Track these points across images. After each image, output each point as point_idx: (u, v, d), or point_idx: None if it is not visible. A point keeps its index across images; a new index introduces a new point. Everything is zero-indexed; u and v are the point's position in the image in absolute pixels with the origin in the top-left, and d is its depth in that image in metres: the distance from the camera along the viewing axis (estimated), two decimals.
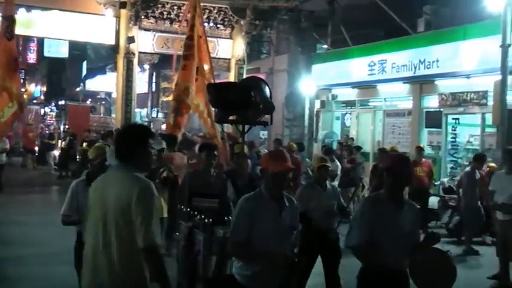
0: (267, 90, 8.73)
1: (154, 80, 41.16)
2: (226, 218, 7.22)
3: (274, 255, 5.22)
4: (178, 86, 14.37)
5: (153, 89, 42.12)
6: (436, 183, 18.55)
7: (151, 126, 32.22)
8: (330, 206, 8.64)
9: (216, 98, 7.96)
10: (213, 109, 13.20)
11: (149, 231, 4.34)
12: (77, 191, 7.34)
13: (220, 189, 8.59)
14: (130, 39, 23.25)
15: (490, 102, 17.78)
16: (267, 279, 5.24)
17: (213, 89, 8.42)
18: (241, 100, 7.57)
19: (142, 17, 23.66)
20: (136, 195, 4.38)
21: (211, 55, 24.52)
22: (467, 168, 14.76)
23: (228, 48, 25.32)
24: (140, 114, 39.09)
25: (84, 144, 23.38)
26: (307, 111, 28.28)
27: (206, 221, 7.29)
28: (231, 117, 8.30)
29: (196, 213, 7.68)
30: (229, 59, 25.41)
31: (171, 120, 14.36)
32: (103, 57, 26.61)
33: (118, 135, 5.24)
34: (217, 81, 34.13)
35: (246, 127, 8.37)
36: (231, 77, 25.41)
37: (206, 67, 14.59)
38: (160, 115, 38.07)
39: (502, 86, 16.34)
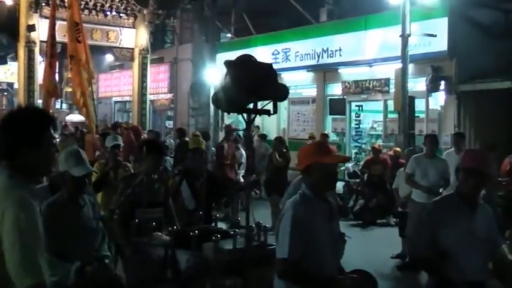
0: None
1: (57, 70, 40.15)
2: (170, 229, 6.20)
3: (341, 279, 4.41)
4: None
5: (57, 79, 40.99)
6: (341, 168, 19.01)
7: (56, 118, 31.50)
8: None
9: (235, 77, 5.95)
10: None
11: (30, 265, 3.03)
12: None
13: (164, 195, 7.12)
14: (31, 28, 22.53)
15: (392, 89, 18.37)
16: None
17: (231, 65, 6.24)
18: (262, 79, 5.98)
19: (43, 4, 22.89)
20: (6, 215, 3.07)
21: (114, 44, 24.48)
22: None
23: (131, 37, 24.91)
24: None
25: None
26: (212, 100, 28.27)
27: (192, 233, 5.92)
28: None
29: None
30: (133, 48, 24.98)
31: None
32: (4, 46, 25.64)
33: None
34: (124, 71, 33.78)
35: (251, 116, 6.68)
36: (135, 67, 25.12)
37: (83, 58, 14.33)
38: (64, 106, 37.14)
39: (402, 74, 16.88)
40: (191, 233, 5.89)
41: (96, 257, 5.48)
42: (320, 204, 4.46)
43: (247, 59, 5.98)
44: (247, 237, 5.86)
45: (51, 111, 13.55)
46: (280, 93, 6.09)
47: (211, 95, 5.80)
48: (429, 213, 4.92)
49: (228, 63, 5.88)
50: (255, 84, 5.73)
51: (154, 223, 6.38)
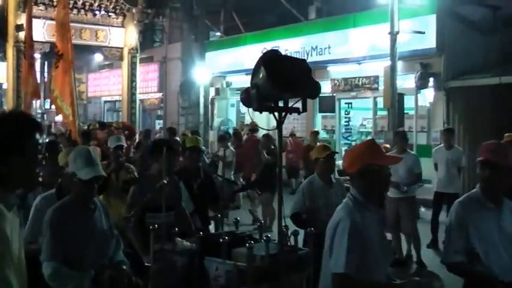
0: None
1: (46, 70, 40.01)
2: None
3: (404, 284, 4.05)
4: None
5: (45, 79, 40.86)
6: None
7: (45, 118, 31.41)
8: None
9: (273, 73, 5.31)
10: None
11: None
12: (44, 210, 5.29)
13: (175, 198, 6.75)
14: (19, 27, 22.44)
15: (381, 86, 18.46)
16: None
17: (268, 60, 5.54)
18: (299, 75, 5.44)
19: (32, 3, 22.84)
20: None
21: (103, 44, 24.43)
22: None
23: (121, 36, 24.86)
24: (33, 106, 37.89)
25: None
26: (202, 99, 28.29)
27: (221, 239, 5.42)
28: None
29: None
30: (122, 47, 24.93)
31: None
32: None
33: None
34: (113, 71, 33.62)
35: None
36: (124, 66, 25.09)
37: (68, 54, 14.33)
38: (53, 106, 36.99)
39: (391, 71, 16.93)
40: (220, 239, 5.43)
41: (110, 264, 5.07)
42: (372, 210, 4.15)
43: (282, 55, 5.60)
44: (280, 242, 5.42)
45: (31, 112, 13.46)
46: (314, 89, 5.68)
47: (240, 93, 5.45)
48: (457, 215, 4.65)
49: (264, 59, 5.36)
50: (293, 80, 5.31)
51: (173, 228, 5.90)
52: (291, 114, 5.50)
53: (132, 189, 6.82)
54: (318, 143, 16.74)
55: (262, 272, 5.26)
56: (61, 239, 4.72)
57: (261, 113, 5.42)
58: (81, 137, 13.13)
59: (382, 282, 4.11)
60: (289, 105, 5.41)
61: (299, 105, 5.43)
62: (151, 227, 5.78)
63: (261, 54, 5.32)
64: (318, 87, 5.62)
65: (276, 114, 5.41)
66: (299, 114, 5.53)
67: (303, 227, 6.60)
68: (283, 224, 5.56)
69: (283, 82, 5.18)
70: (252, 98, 5.25)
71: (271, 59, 5.38)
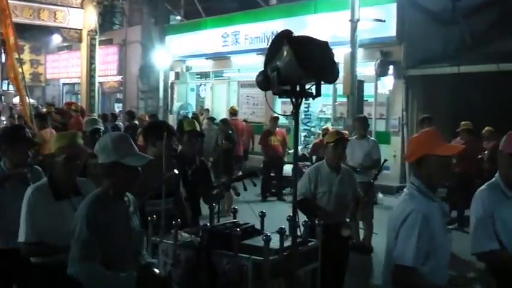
0: None
1: (3, 51, 39.34)
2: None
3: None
4: None
5: (3, 60, 40.06)
6: (290, 151, 19.11)
7: (3, 100, 30.90)
8: (345, 195, 7.15)
9: (299, 55, 4.88)
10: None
11: None
12: (37, 204, 4.78)
13: (174, 183, 6.41)
14: None
15: (341, 73, 18.45)
16: None
17: (296, 42, 5.10)
18: (324, 58, 5.08)
19: None
20: None
21: (62, 25, 24.04)
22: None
23: (79, 18, 24.39)
24: None
25: None
26: (161, 83, 28.13)
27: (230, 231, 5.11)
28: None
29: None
30: (81, 29, 24.51)
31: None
32: None
33: None
34: (72, 53, 33.16)
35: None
36: (83, 48, 24.74)
37: (12, 40, 14.16)
38: (11, 88, 36.35)
39: (351, 59, 17.02)
40: (227, 231, 5.17)
41: (144, 265, 4.49)
42: (435, 201, 4.02)
43: (308, 36, 5.11)
44: (293, 234, 5.14)
45: None
46: (335, 73, 5.26)
47: (257, 75, 5.00)
48: (483, 203, 4.52)
49: (288, 40, 4.95)
50: (319, 63, 4.94)
51: (174, 218, 5.52)
52: (306, 99, 5.17)
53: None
54: (278, 128, 16.88)
55: (278, 266, 5.02)
56: (100, 236, 4.02)
57: (280, 97, 5.13)
58: (35, 119, 12.80)
59: (442, 285, 3.98)
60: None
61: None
62: (149, 218, 5.48)
63: (276, 35, 5.02)
64: (338, 71, 5.32)
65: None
66: (313, 99, 5.22)
67: (311, 214, 6.48)
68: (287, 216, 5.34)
69: (311, 66, 4.85)
70: (272, 81, 4.89)
71: (299, 41, 5.01)
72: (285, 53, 4.87)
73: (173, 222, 5.36)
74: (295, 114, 5.04)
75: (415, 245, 3.77)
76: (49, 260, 4.74)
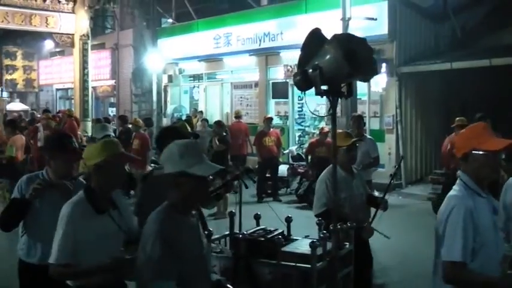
0: None
1: None
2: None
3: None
4: None
5: None
6: (284, 151, 19.18)
7: None
8: (361, 197, 6.98)
9: (343, 53, 4.75)
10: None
11: None
12: (79, 221, 4.32)
13: None
14: None
15: None
16: None
17: (344, 41, 5.04)
18: (365, 56, 4.94)
19: None
20: None
21: (54, 30, 24.03)
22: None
23: (71, 23, 24.39)
24: None
25: None
26: (155, 86, 28.04)
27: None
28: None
29: None
30: (73, 34, 24.52)
31: None
32: None
33: None
34: (65, 58, 33.11)
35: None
36: (76, 53, 24.72)
37: None
38: (5, 94, 36.34)
39: None
40: (263, 239, 5.02)
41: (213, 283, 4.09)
42: (484, 197, 3.94)
43: (351, 34, 5.14)
44: (334, 238, 5.13)
45: None
46: (374, 70, 5.12)
47: (293, 75, 4.83)
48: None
49: (332, 39, 4.85)
50: (364, 59, 4.84)
51: None
52: (341, 99, 5.06)
53: (141, 186, 5.76)
54: (272, 129, 16.88)
55: (323, 272, 4.94)
56: (175, 254, 3.56)
57: (322, 97, 4.89)
58: (6, 126, 12.71)
59: (494, 276, 3.86)
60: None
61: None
62: None
63: (308, 34, 4.91)
64: (376, 69, 5.17)
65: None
66: (346, 99, 5.11)
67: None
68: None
69: (357, 62, 4.72)
70: (314, 80, 4.70)
71: (341, 38, 4.89)
72: (327, 51, 4.73)
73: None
74: (333, 114, 4.94)
75: (461, 239, 3.73)
76: (85, 282, 4.33)
